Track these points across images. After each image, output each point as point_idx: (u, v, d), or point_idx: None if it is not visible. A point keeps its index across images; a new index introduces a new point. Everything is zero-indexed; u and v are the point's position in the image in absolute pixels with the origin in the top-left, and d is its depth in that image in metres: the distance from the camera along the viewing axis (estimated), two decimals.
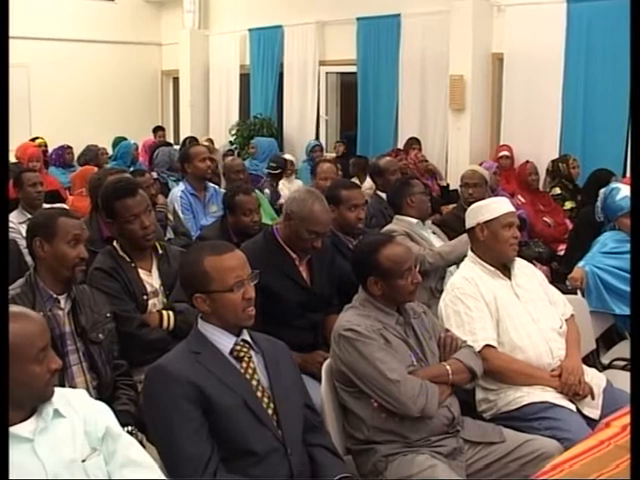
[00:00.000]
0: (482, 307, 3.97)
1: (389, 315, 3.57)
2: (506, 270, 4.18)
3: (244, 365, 2.94)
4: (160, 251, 4.25)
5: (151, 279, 4.14)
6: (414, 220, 5.60)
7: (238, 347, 2.96)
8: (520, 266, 4.27)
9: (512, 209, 4.26)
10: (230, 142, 13.27)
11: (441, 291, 4.92)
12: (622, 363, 4.74)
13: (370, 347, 3.39)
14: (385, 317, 3.55)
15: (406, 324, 3.61)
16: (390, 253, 3.57)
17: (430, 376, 3.50)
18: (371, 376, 3.36)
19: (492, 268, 4.13)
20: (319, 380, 3.60)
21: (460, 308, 3.97)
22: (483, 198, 4.65)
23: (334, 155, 11.47)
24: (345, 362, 3.44)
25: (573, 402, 3.88)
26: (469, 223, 4.26)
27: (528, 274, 4.29)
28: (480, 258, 4.17)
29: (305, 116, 13.08)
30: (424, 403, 3.36)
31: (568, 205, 8.53)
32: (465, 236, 4.73)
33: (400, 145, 11.08)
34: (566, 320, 4.25)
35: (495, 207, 4.20)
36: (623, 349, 5.10)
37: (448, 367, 3.58)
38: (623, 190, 5.50)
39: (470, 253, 4.25)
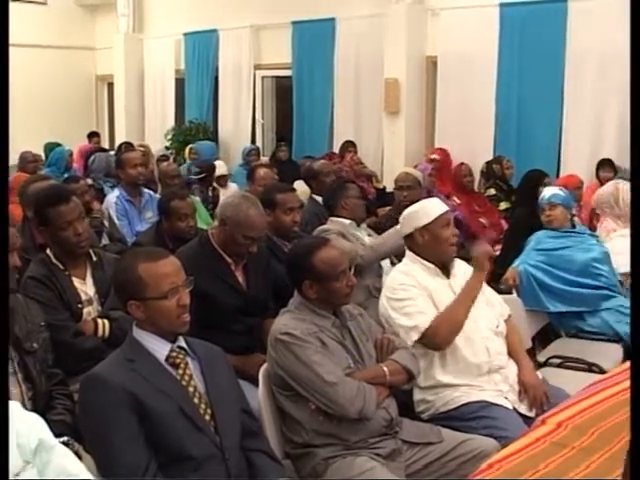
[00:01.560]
0: (416, 296, 4.00)
1: (325, 318, 3.56)
2: (445, 270, 4.20)
3: (180, 372, 2.92)
4: (94, 258, 4.19)
5: (85, 287, 4.09)
6: (347, 221, 5.61)
7: (174, 354, 2.94)
8: (459, 266, 4.31)
9: (446, 207, 4.29)
10: (166, 147, 13.17)
11: (379, 289, 4.95)
12: (558, 361, 4.82)
13: (307, 350, 3.38)
14: (321, 320, 3.55)
15: (342, 327, 3.61)
16: (324, 256, 3.56)
17: (367, 378, 3.50)
18: (308, 379, 3.36)
19: (432, 266, 4.15)
20: (256, 384, 3.58)
21: (400, 295, 4.01)
22: (418, 200, 4.65)
23: (268, 159, 11.43)
24: (282, 366, 3.43)
25: (509, 400, 3.92)
26: (406, 230, 4.26)
27: (466, 275, 4.31)
28: (420, 257, 4.19)
29: (240, 120, 13.06)
30: (362, 405, 3.36)
31: (503, 206, 8.64)
32: (396, 228, 4.79)
33: (335, 148, 11.11)
34: (505, 321, 4.29)
35: (430, 209, 4.21)
36: (558, 347, 5.18)
37: (385, 368, 3.59)
38: (546, 188, 5.69)
39: (409, 253, 4.26)
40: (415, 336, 3.91)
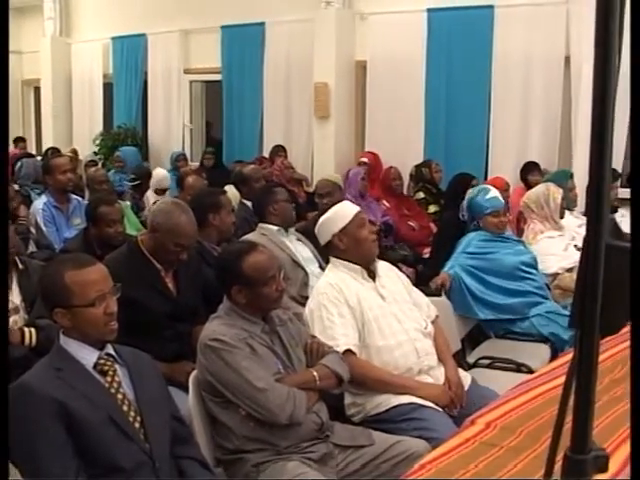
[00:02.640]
0: (345, 312, 4.00)
1: (254, 324, 3.55)
2: (370, 272, 4.22)
3: (108, 379, 2.88)
4: (20, 266, 4.14)
5: (11, 295, 4.02)
6: (275, 228, 5.63)
7: (102, 361, 2.90)
8: (383, 268, 4.33)
9: (358, 208, 4.32)
10: (94, 152, 13.02)
11: (306, 297, 4.98)
12: (487, 361, 4.88)
13: (236, 356, 3.37)
14: (250, 326, 3.53)
15: (272, 332, 3.60)
16: (253, 261, 3.55)
17: (297, 383, 3.51)
18: (238, 385, 3.35)
19: (357, 267, 4.16)
20: (187, 391, 3.55)
21: (323, 314, 3.99)
22: None
23: (198, 165, 11.37)
24: (211, 372, 3.41)
25: None
26: (324, 238, 4.27)
27: (392, 276, 4.35)
28: (344, 260, 4.19)
29: (170, 125, 12.95)
30: (292, 410, 3.36)
31: (432, 209, 8.73)
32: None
33: (266, 153, 11.11)
34: (432, 322, 4.33)
35: (343, 213, 4.22)
36: (488, 348, 5.24)
37: (315, 373, 3.59)
38: (492, 191, 5.66)
39: (333, 260, 4.26)
40: None
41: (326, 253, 4.40)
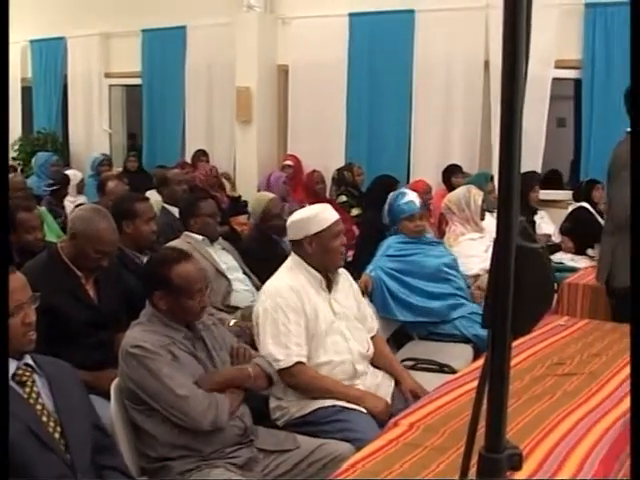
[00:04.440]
0: (301, 322, 3.96)
1: (176, 330, 3.52)
2: (328, 282, 4.18)
3: (27, 390, 2.81)
4: None
5: None
6: (200, 237, 5.60)
7: (20, 371, 2.83)
8: (341, 277, 4.29)
9: (337, 216, 4.23)
10: (13, 158, 12.78)
11: (228, 306, 5.00)
12: (411, 363, 4.91)
13: (157, 363, 3.34)
14: (173, 332, 3.50)
15: (195, 338, 3.57)
16: (183, 270, 3.51)
17: (230, 377, 3.53)
18: (160, 392, 3.32)
19: (318, 275, 4.12)
20: (109, 399, 3.50)
21: (280, 318, 3.94)
22: None
23: (120, 170, 11.25)
24: (133, 380, 3.38)
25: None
26: (295, 235, 4.19)
27: (346, 288, 4.32)
28: (307, 263, 4.14)
29: (92, 129, 12.77)
30: (214, 415, 3.35)
31: (354, 212, 8.78)
32: None
33: (188, 157, 11.05)
34: (372, 337, 4.36)
35: (323, 218, 4.15)
36: (411, 349, 5.29)
37: (250, 369, 3.59)
38: (409, 195, 5.69)
39: (296, 258, 4.18)
40: (276, 367, 3.89)
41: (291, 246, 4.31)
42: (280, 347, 3.89)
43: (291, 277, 4.12)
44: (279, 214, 6.16)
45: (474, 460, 1.30)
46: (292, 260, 4.21)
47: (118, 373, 3.52)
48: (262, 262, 5.32)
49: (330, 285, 4.19)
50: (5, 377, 2.22)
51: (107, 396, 3.61)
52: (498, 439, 1.25)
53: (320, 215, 4.17)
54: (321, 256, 4.11)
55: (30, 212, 5.27)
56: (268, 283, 4.18)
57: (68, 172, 9.33)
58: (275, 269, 4.25)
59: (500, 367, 1.21)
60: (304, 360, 3.93)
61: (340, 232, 4.18)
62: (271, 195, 6.60)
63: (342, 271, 4.34)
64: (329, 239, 4.11)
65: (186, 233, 5.66)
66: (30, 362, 2.90)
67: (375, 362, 4.33)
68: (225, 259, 5.64)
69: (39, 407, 2.82)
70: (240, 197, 9.80)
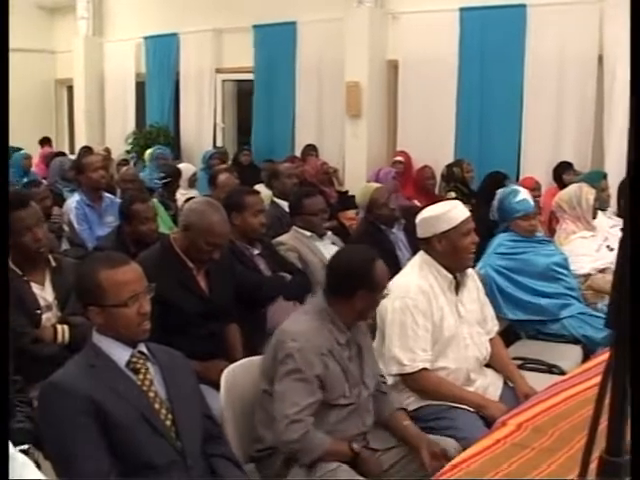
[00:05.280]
0: (429, 327, 3.90)
1: (341, 333, 3.43)
2: (456, 282, 4.10)
3: (141, 377, 2.89)
4: (54, 264, 4.16)
5: (44, 293, 4.06)
6: (308, 233, 5.66)
7: (134, 359, 2.90)
8: (469, 278, 4.21)
9: (467, 214, 4.15)
10: (127, 151, 13.10)
11: None
12: (518, 362, 4.83)
13: (298, 372, 3.26)
14: (337, 334, 3.41)
15: (354, 343, 3.50)
16: (381, 268, 3.49)
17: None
18: (281, 399, 3.27)
19: (450, 276, 4.04)
20: (218, 389, 3.54)
21: (408, 320, 3.87)
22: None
23: (230, 163, 11.41)
24: (275, 368, 3.33)
25: None
26: (423, 233, 4.11)
27: (471, 290, 4.23)
28: (438, 263, 4.05)
29: (202, 124, 13.02)
30: (296, 449, 3.25)
31: None
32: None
33: (297, 152, 11.12)
34: (491, 340, 4.28)
35: (452, 215, 4.05)
36: (519, 349, 5.20)
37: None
38: (521, 193, 5.59)
39: (425, 257, 4.10)
40: (395, 370, 3.87)
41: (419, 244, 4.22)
42: (406, 351, 3.84)
43: (420, 276, 4.03)
44: (385, 203, 6.11)
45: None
46: (421, 258, 4.13)
47: (266, 349, 3.49)
48: None
49: (458, 286, 4.11)
50: (5, 379, 2.25)
51: (216, 386, 3.67)
52: (619, 443, 1.22)
53: (450, 213, 4.07)
54: (450, 255, 4.02)
55: (145, 203, 5.39)
56: (396, 280, 4.05)
57: (181, 165, 9.49)
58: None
59: (624, 369, 1.18)
60: (429, 366, 3.87)
61: (470, 230, 4.07)
62: (376, 185, 6.57)
63: (470, 271, 4.26)
64: (459, 238, 4.01)
65: (294, 228, 5.72)
66: (144, 350, 2.96)
67: (491, 363, 4.26)
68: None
69: (152, 394, 2.89)
70: (347, 192, 9.82)
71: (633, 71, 1.14)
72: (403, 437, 3.52)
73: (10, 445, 2.57)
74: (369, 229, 6.15)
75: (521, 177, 9.03)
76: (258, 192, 5.47)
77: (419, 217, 4.17)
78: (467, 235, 4.05)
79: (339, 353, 3.40)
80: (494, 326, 4.38)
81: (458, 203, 4.30)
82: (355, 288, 3.40)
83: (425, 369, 3.86)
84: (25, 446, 3.16)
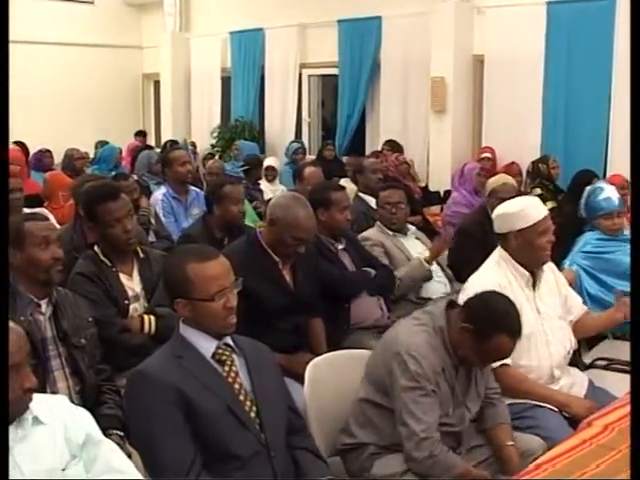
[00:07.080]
0: None
1: (451, 356, 3.38)
2: (534, 280, 4.04)
3: (226, 369, 2.92)
4: (142, 255, 4.24)
5: (132, 283, 4.13)
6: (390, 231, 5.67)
7: (220, 350, 2.94)
8: (546, 271, 4.14)
9: (545, 212, 4.07)
10: (212, 145, 13.26)
11: (419, 298, 4.97)
12: (604, 362, 4.76)
13: (421, 390, 3.24)
14: (447, 357, 3.37)
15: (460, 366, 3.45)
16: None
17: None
18: (403, 411, 3.24)
19: (527, 273, 3.99)
20: (302, 382, 3.57)
21: None
22: None
23: (314, 157, 11.46)
24: (388, 377, 3.32)
25: None
26: (500, 229, 4.06)
27: (550, 283, 4.15)
28: (514, 259, 4.01)
29: (286, 119, 13.08)
30: (428, 467, 3.21)
31: (549, 205, 8.50)
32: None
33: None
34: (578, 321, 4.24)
35: (529, 213, 3.96)
36: (604, 349, 5.11)
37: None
38: (607, 190, 5.49)
39: (502, 252, 4.06)
40: None
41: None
42: None
43: (498, 273, 3.99)
44: (502, 198, 5.96)
45: None
46: (499, 254, 4.08)
47: (372, 354, 3.50)
48: None
49: (535, 282, 4.04)
50: (5, 378, 2.27)
51: (299, 379, 3.69)
52: None
53: (526, 210, 3.98)
54: (526, 253, 3.95)
55: (235, 186, 5.48)
56: (475, 277, 4.03)
57: (268, 159, 9.58)
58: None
59: None
60: (509, 362, 3.78)
61: (547, 229, 3.98)
62: (507, 178, 6.45)
63: (548, 265, 4.17)
64: (535, 236, 3.93)
65: (378, 224, 5.74)
66: (230, 342, 3.00)
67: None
68: (419, 249, 5.63)
69: (237, 386, 2.92)
70: (427, 186, 9.79)
71: (633, 71, 1.11)
72: (499, 455, 3.46)
73: (98, 431, 2.63)
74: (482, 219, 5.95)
75: (608, 174, 8.86)
76: (344, 188, 5.46)
77: (497, 211, 4.13)
78: (543, 234, 3.96)
79: (450, 373, 3.36)
80: (580, 310, 4.29)
81: (537, 200, 4.25)
82: (493, 330, 3.34)
83: (506, 364, 3.77)
84: (115, 432, 3.24)
